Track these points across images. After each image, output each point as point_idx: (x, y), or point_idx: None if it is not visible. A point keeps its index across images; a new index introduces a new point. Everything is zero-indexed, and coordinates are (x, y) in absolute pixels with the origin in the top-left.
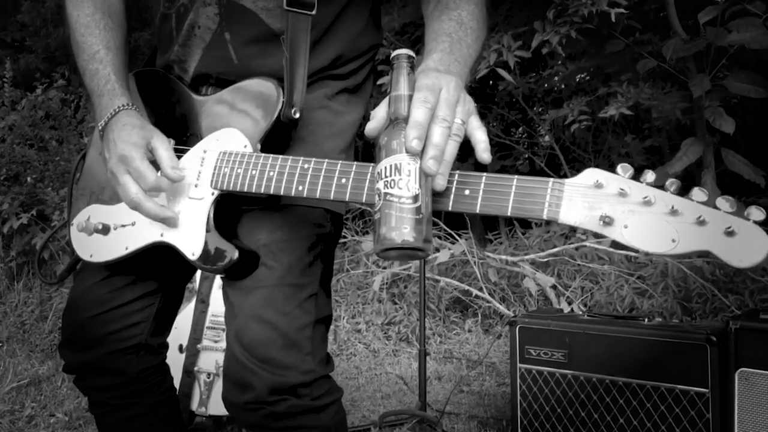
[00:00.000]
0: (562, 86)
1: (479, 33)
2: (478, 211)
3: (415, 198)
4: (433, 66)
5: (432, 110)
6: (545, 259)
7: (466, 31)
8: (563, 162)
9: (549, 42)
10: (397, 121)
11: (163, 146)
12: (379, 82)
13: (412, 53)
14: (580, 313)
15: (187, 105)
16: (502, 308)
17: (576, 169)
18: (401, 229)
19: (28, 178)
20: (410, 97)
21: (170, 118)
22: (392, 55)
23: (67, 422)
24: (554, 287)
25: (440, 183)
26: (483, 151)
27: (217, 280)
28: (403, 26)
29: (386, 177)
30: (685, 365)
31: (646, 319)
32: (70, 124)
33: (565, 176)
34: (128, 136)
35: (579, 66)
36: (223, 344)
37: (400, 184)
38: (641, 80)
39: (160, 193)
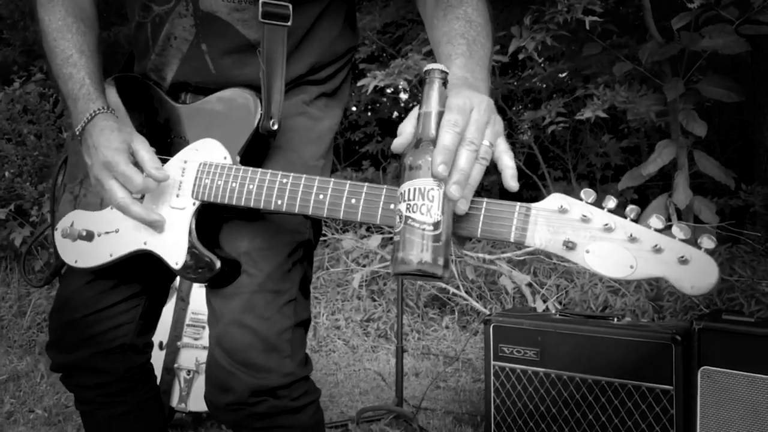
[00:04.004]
0: (543, 86)
1: (488, 29)
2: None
3: (437, 225)
4: (461, 75)
5: (461, 134)
6: (521, 258)
7: (477, 29)
8: (541, 161)
9: (525, 48)
10: (424, 142)
11: (144, 148)
12: (360, 83)
13: (445, 69)
14: (553, 312)
15: (166, 112)
16: (479, 306)
17: (554, 167)
18: (420, 255)
19: (6, 173)
20: (440, 115)
21: (149, 124)
22: (425, 68)
23: (46, 418)
24: (530, 285)
25: (462, 207)
26: (510, 178)
27: None
28: (385, 26)
29: (409, 200)
30: (651, 363)
31: (616, 319)
32: (49, 119)
33: (544, 175)
34: (108, 141)
35: (557, 68)
36: (203, 341)
37: (423, 209)
38: (617, 83)
39: (143, 200)
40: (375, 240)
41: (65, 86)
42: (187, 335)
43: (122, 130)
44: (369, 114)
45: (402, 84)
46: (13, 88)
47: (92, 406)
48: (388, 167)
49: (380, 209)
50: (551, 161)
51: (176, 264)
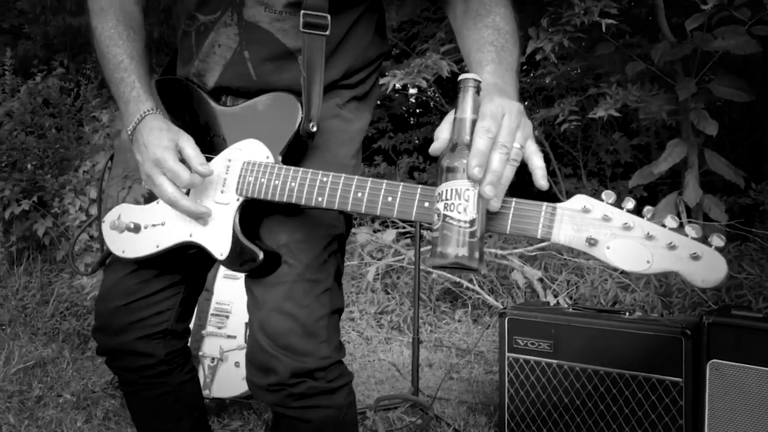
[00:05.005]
0: (554, 84)
1: (515, 36)
2: None
3: (472, 222)
4: (492, 81)
5: (494, 139)
6: (533, 253)
7: (505, 37)
8: (552, 158)
9: (542, 49)
10: (459, 146)
11: (190, 145)
12: (379, 82)
13: (478, 78)
14: (566, 305)
15: (209, 114)
16: (490, 299)
17: (565, 164)
18: (457, 250)
19: (28, 165)
20: (473, 122)
21: (193, 125)
22: (460, 77)
23: (75, 402)
24: (541, 280)
25: (495, 205)
26: (541, 177)
27: (221, 270)
28: (401, 24)
29: (446, 200)
30: (662, 356)
31: (627, 313)
32: (69, 112)
33: (554, 172)
34: (158, 139)
35: (570, 67)
36: (227, 330)
37: (459, 208)
38: (630, 82)
39: (189, 195)
40: (389, 234)
41: (117, 89)
42: (211, 324)
43: (170, 130)
44: (378, 110)
45: (422, 83)
46: (35, 82)
47: (135, 387)
48: (400, 162)
49: (415, 206)
50: (561, 158)
51: (221, 255)
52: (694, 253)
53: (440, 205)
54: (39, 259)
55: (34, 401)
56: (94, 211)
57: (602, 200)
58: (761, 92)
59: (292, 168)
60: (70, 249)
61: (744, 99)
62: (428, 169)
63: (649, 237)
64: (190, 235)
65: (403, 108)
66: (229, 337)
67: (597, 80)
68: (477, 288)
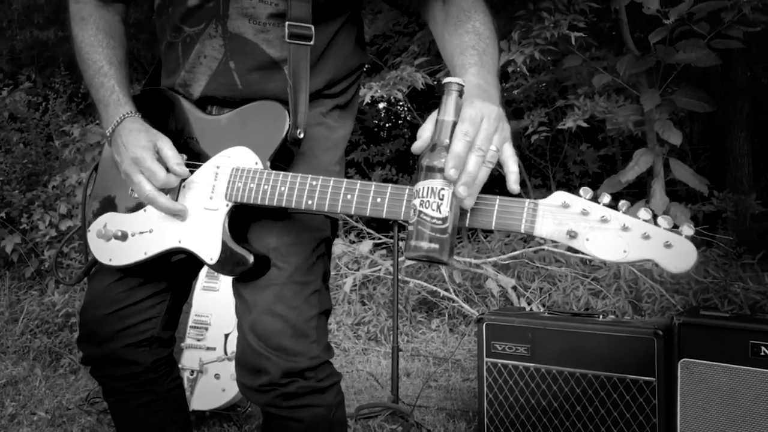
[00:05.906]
0: (522, 96)
1: (495, 41)
2: (467, 225)
3: (445, 220)
4: (476, 82)
5: (471, 142)
6: (506, 262)
7: (486, 42)
8: (522, 169)
9: (514, 61)
10: (438, 147)
11: (167, 146)
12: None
13: (462, 82)
14: (541, 311)
15: (196, 123)
16: (466, 307)
17: (534, 176)
18: (429, 244)
19: None
20: (454, 124)
21: (179, 134)
22: (444, 80)
23: (50, 420)
24: (515, 288)
25: (468, 203)
26: (513, 182)
27: (200, 282)
28: (373, 38)
29: (423, 197)
30: (635, 357)
31: (601, 317)
32: (37, 127)
33: (524, 183)
34: (136, 140)
35: (539, 80)
36: (206, 342)
37: (434, 206)
38: (597, 94)
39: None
40: (365, 245)
41: (97, 93)
42: (191, 336)
43: (149, 131)
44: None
45: (398, 95)
46: (1, 97)
47: (121, 396)
48: (374, 175)
49: (404, 206)
50: (530, 169)
51: (211, 260)
52: (667, 242)
53: (417, 202)
54: (7, 276)
55: (7, 419)
56: (64, 226)
57: (580, 196)
58: (720, 104)
59: (281, 173)
60: (53, 260)
61: (706, 110)
62: (401, 181)
63: (625, 228)
64: (179, 242)
65: (375, 121)
66: (208, 349)
67: (563, 93)
68: (453, 296)
